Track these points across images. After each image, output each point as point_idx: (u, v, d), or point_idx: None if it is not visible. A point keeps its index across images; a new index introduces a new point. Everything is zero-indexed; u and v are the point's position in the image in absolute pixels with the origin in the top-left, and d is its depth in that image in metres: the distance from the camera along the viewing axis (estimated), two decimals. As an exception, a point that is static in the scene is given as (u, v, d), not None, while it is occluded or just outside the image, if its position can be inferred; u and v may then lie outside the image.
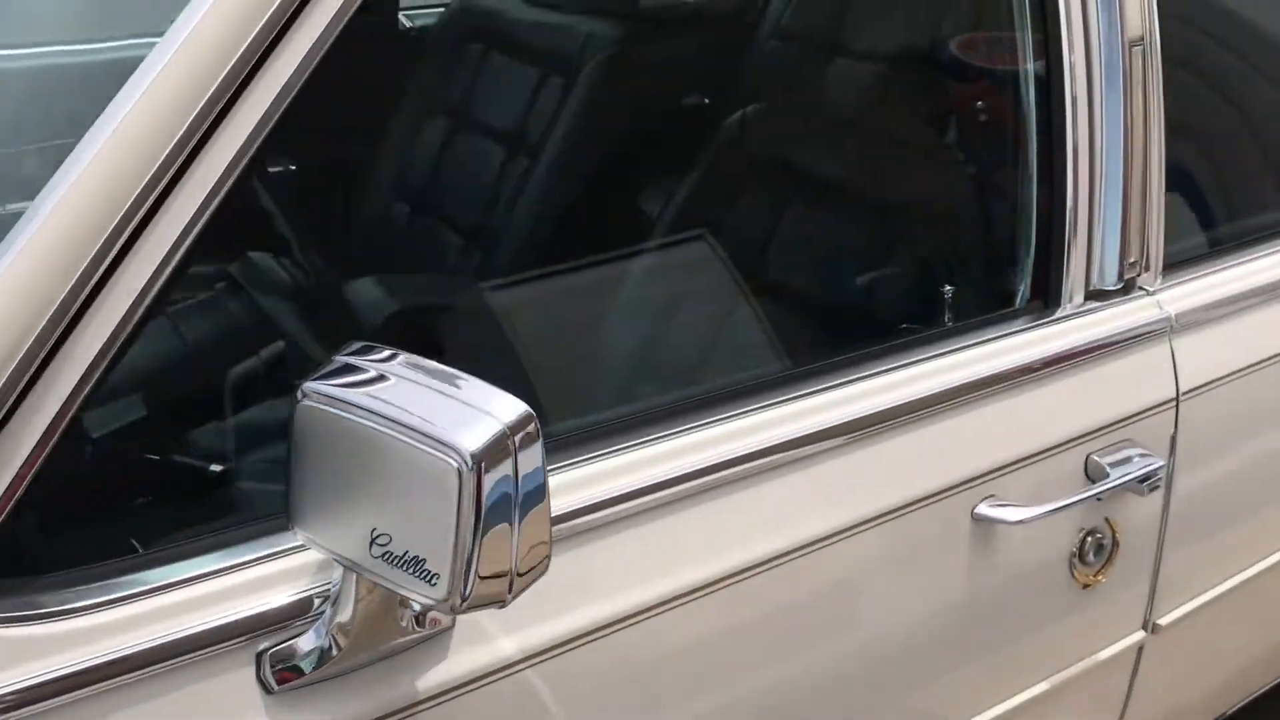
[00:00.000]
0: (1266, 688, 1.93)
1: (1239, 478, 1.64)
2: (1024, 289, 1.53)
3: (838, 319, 1.64)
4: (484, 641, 1.09)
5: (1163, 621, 1.63)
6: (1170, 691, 1.74)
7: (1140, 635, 1.62)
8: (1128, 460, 1.47)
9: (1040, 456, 1.43)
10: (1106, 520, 1.50)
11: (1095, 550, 1.50)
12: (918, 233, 1.65)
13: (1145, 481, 1.47)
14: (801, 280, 1.73)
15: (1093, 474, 1.46)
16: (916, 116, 1.76)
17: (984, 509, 1.38)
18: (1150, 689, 1.69)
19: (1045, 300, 1.51)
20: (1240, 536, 1.68)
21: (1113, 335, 1.50)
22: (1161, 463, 1.48)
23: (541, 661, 1.12)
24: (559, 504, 1.10)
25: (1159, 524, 1.57)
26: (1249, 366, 1.60)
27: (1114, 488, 1.45)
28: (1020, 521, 1.37)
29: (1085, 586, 1.51)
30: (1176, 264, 1.61)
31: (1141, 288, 1.57)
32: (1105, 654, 1.58)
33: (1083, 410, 1.47)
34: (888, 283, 1.63)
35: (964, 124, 1.71)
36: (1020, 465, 1.41)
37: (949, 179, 1.69)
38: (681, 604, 1.20)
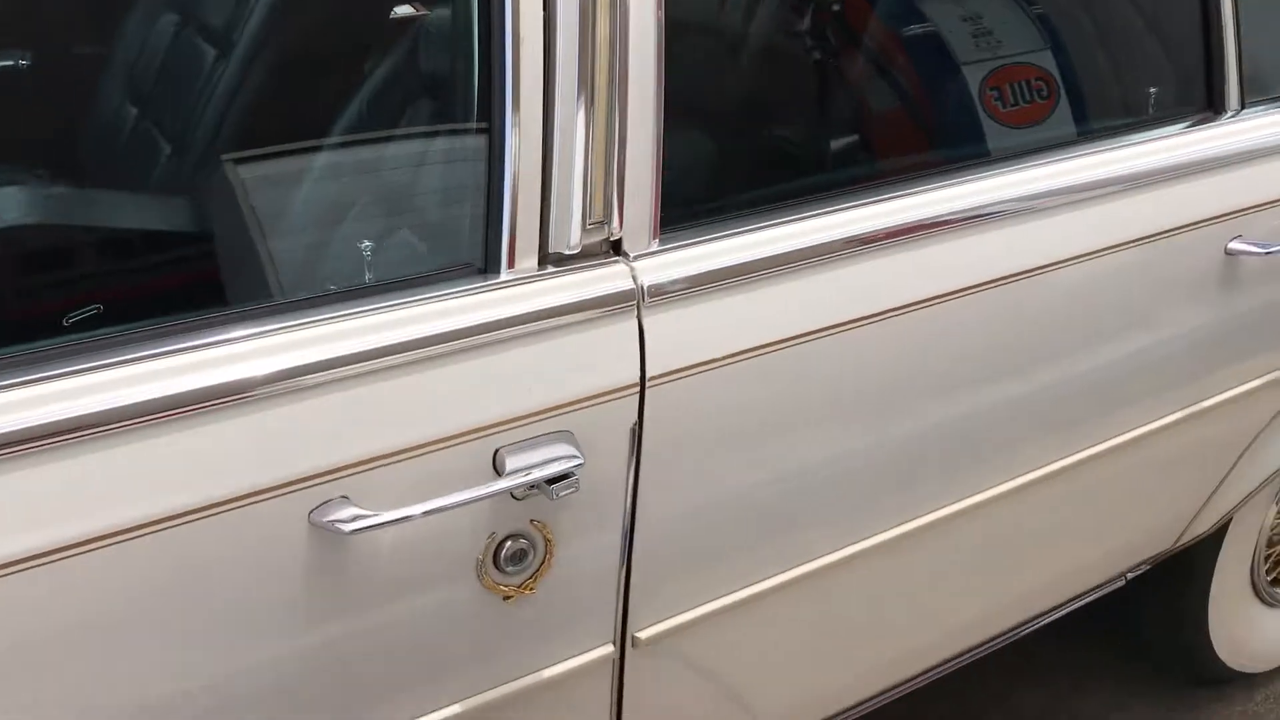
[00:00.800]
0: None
1: (730, 479, 1.41)
2: (467, 250, 1.30)
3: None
4: None
5: (643, 635, 1.42)
6: (685, 708, 1.54)
7: (609, 650, 1.41)
8: (548, 458, 1.25)
9: (428, 449, 1.21)
10: (533, 524, 1.29)
11: (515, 558, 1.29)
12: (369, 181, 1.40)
13: (556, 483, 1.24)
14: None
15: (502, 471, 1.25)
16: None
17: (324, 513, 1.16)
18: (651, 705, 1.49)
19: (485, 264, 1.28)
20: (743, 544, 1.45)
21: (557, 307, 1.27)
22: (580, 461, 1.25)
23: None
24: None
25: (622, 527, 1.35)
26: (743, 353, 1.36)
27: (507, 490, 1.23)
28: (357, 530, 1.16)
29: (507, 598, 1.30)
30: (683, 227, 1.37)
31: (626, 252, 1.33)
32: (555, 671, 1.37)
33: (501, 395, 1.25)
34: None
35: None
36: (398, 459, 1.19)
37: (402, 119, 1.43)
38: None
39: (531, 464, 1.24)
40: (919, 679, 1.79)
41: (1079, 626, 2.29)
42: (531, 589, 1.31)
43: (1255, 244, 1.70)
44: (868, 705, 1.75)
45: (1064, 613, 2.07)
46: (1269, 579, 2.44)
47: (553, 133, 1.25)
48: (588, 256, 1.31)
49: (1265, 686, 2.54)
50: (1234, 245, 1.71)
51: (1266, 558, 2.41)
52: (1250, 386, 1.86)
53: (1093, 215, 1.65)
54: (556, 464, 1.24)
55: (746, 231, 1.39)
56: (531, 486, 1.24)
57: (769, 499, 1.44)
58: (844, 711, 1.74)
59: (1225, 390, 1.84)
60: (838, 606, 1.59)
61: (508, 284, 1.27)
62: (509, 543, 1.28)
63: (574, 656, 1.38)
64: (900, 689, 1.80)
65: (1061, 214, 1.63)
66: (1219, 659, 2.38)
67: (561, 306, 1.27)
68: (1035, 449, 1.71)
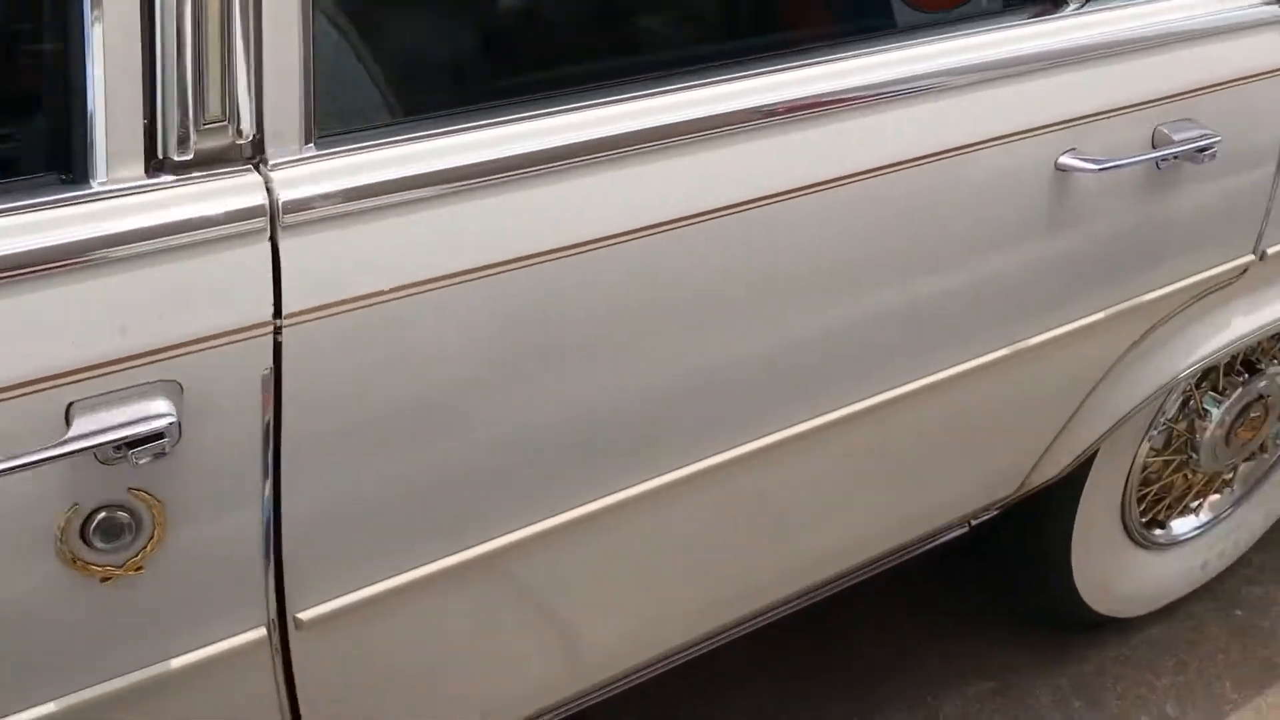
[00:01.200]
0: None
1: (406, 438, 1.17)
2: (50, 155, 1.04)
3: None
4: None
5: (307, 616, 1.19)
6: (378, 693, 1.32)
7: (261, 634, 1.18)
8: (131, 417, 1.01)
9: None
10: (134, 493, 1.05)
11: (109, 533, 1.05)
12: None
13: (139, 446, 1.00)
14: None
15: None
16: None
17: None
18: (334, 692, 1.27)
19: (71, 171, 1.02)
20: (429, 511, 1.21)
21: (158, 226, 1.01)
22: (172, 419, 1.01)
23: None
24: None
25: (263, 492, 1.11)
26: (414, 285, 1.10)
27: (79, 454, 0.99)
28: None
29: (106, 579, 1.07)
30: (356, 129, 1.12)
31: (266, 159, 1.08)
32: (190, 659, 1.15)
33: (82, 336, 0.99)
34: None
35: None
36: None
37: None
38: None
39: (107, 424, 1.00)
40: (694, 648, 1.58)
41: (937, 569, 2.11)
42: (138, 568, 1.08)
43: (1088, 159, 1.45)
44: (634, 678, 1.54)
45: (906, 558, 1.87)
46: (1143, 520, 2.23)
47: (158, 14, 0.99)
48: (213, 163, 1.05)
49: (1141, 630, 2.37)
50: (1065, 160, 1.45)
51: (1141, 497, 2.20)
52: (1092, 320, 1.62)
53: (904, 118, 1.40)
54: (141, 424, 1.00)
55: (440, 134, 1.13)
56: (117, 448, 1.01)
57: (461, 462, 1.20)
58: (628, 673, 1.54)
59: (1061, 325, 1.59)
60: (586, 571, 1.37)
61: (98, 196, 1.01)
62: (101, 515, 1.04)
63: (214, 643, 1.15)
64: (665, 662, 1.58)
65: (868, 116, 1.38)
66: (1085, 603, 2.19)
67: (165, 225, 1.02)
68: (834, 389, 1.47)
